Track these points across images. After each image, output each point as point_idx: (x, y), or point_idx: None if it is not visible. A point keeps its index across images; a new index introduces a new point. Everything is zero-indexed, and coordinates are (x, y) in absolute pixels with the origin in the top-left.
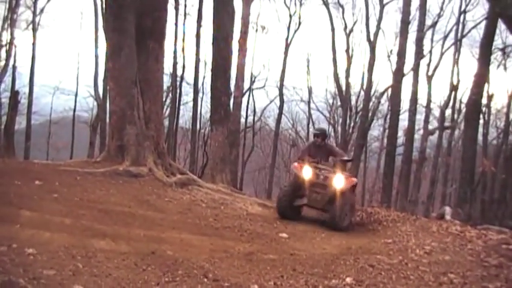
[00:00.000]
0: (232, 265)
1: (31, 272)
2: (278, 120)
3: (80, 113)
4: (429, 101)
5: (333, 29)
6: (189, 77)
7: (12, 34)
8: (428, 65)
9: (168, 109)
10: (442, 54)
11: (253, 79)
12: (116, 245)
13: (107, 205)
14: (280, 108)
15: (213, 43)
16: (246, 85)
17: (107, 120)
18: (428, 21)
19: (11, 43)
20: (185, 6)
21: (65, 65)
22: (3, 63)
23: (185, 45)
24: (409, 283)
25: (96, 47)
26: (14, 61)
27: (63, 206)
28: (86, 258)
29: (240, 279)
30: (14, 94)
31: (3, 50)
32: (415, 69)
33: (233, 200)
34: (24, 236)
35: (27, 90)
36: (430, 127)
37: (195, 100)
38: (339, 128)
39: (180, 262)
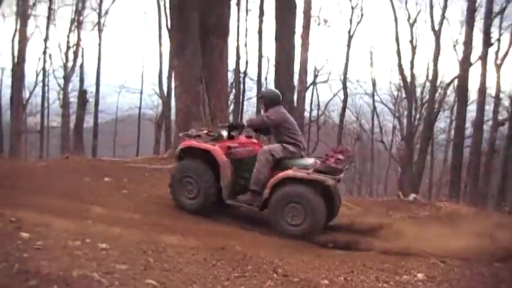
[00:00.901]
0: (301, 260)
1: (104, 266)
2: (342, 114)
3: (145, 110)
4: (498, 90)
5: (396, 20)
6: (252, 72)
7: (79, 36)
8: (497, 53)
9: (232, 105)
10: (511, 41)
11: (316, 73)
12: (185, 240)
13: None
14: (344, 101)
15: (275, 38)
16: (310, 79)
17: (172, 117)
18: (496, 8)
19: (78, 44)
20: (247, 2)
21: (129, 64)
22: (71, 64)
23: (248, 41)
24: (483, 280)
25: (160, 45)
26: (81, 61)
27: (132, 202)
28: (156, 253)
29: (310, 274)
30: (82, 93)
31: (71, 51)
32: (483, 58)
33: None
34: (96, 231)
35: (94, 89)
36: (500, 118)
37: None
38: (404, 121)
39: (249, 257)
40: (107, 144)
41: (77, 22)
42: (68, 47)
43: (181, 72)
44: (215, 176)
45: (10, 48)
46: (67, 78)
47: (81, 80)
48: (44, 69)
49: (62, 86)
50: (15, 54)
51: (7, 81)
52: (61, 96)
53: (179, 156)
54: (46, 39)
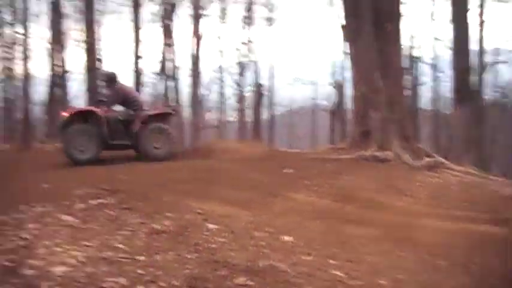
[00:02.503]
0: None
1: (290, 257)
2: None
3: (318, 101)
4: None
5: None
6: (426, 56)
7: (250, 32)
8: None
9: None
10: None
11: (496, 53)
12: (367, 230)
13: (357, 192)
14: None
15: (452, 20)
16: (489, 60)
17: (346, 106)
18: None
19: (250, 40)
20: None
21: (302, 55)
22: (244, 59)
23: (420, 24)
24: None
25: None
26: (254, 57)
27: (315, 193)
28: (340, 244)
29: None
30: (258, 87)
31: (244, 47)
32: None
33: (484, 182)
34: (279, 223)
35: (267, 83)
36: None
37: (434, 80)
38: None
39: (438, 248)
40: (282, 136)
41: (248, 18)
42: (241, 44)
43: (357, 60)
44: None
45: (187, 48)
46: (241, 73)
47: (257, 75)
48: (219, 66)
49: (237, 81)
50: (192, 53)
51: (186, 79)
52: (236, 92)
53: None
54: (219, 37)
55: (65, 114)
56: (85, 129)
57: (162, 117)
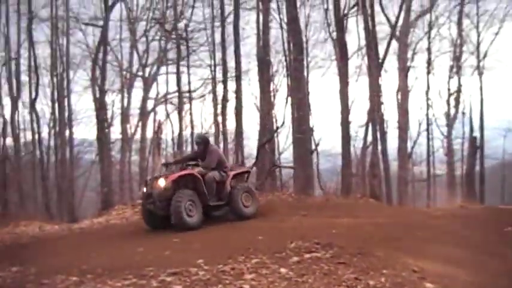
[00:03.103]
0: None
1: None
2: None
3: None
4: None
5: None
6: None
7: (459, 81)
8: None
9: None
10: None
11: None
12: None
13: None
14: None
15: None
16: None
17: None
18: None
19: (458, 90)
20: None
21: None
22: (453, 111)
23: None
24: None
25: None
26: (463, 107)
27: None
28: None
29: None
30: (473, 140)
31: (452, 98)
32: None
33: None
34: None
35: (478, 134)
36: None
37: None
38: None
39: None
40: (493, 190)
41: (456, 68)
42: (449, 94)
43: None
44: None
45: (393, 101)
46: (450, 125)
47: (471, 128)
48: (427, 118)
49: (445, 133)
50: (399, 106)
51: (392, 132)
52: (445, 144)
53: None
54: (427, 89)
55: (169, 179)
56: (190, 193)
57: (242, 175)
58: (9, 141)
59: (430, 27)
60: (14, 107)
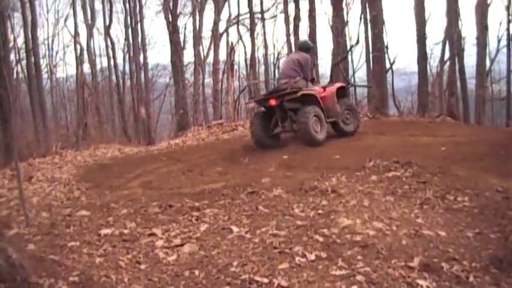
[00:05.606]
0: None
1: None
2: None
3: None
4: None
5: None
6: None
7: None
8: None
9: None
10: None
11: None
12: None
13: None
14: None
15: None
16: None
17: None
18: None
19: None
20: None
21: None
22: None
23: None
24: None
25: None
26: None
27: None
28: None
29: None
30: None
31: None
32: None
33: None
34: None
35: None
36: None
37: None
38: None
39: None
40: None
41: None
42: None
43: None
44: None
45: (472, 16)
46: None
47: None
48: (507, 34)
49: None
50: (479, 22)
51: (470, 50)
52: None
53: None
54: (508, 3)
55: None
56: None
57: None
58: (86, 67)
59: None
60: (90, 34)
